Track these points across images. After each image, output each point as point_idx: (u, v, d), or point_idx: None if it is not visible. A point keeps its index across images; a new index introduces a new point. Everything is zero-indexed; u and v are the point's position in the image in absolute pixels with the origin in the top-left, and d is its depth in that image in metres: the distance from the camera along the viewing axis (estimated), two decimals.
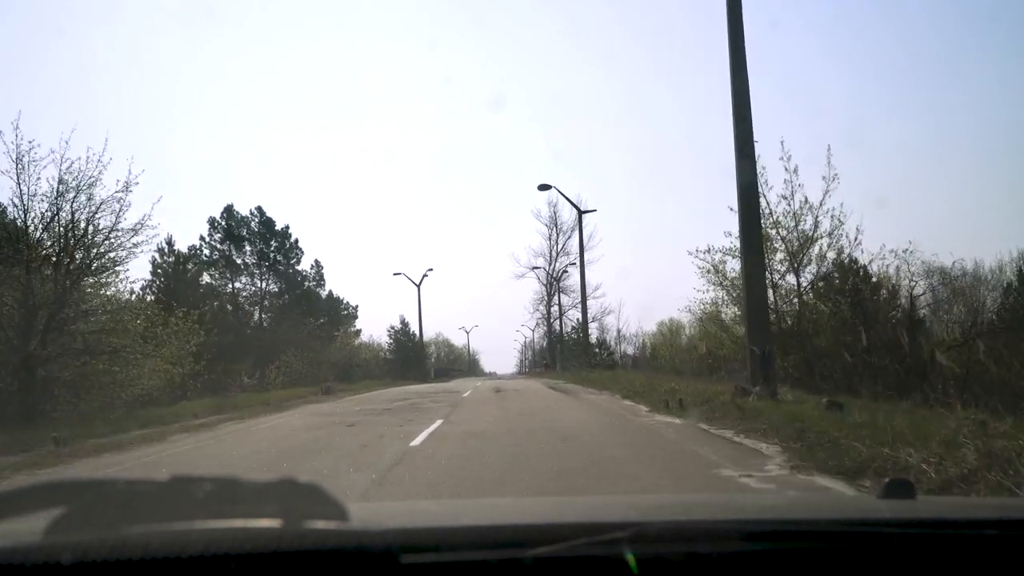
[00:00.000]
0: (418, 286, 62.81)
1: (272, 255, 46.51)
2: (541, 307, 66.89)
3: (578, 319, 62.88)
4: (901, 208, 71.00)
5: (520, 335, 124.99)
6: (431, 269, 63.34)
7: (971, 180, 76.10)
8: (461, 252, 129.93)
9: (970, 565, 1.26)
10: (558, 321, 65.23)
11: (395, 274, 63.57)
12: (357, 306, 60.48)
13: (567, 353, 63.31)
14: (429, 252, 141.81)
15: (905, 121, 79.64)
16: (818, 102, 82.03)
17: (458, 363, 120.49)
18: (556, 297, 65.12)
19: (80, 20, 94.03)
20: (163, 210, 43.88)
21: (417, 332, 64.01)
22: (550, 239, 66.95)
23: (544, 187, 39.20)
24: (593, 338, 61.64)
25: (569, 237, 66.31)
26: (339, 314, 52.80)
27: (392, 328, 62.62)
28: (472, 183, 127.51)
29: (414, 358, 62.92)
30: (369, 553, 1.10)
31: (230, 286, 45.22)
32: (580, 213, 39.75)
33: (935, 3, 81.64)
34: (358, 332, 61.36)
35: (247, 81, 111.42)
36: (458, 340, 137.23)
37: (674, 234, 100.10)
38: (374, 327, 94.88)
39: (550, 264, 66.68)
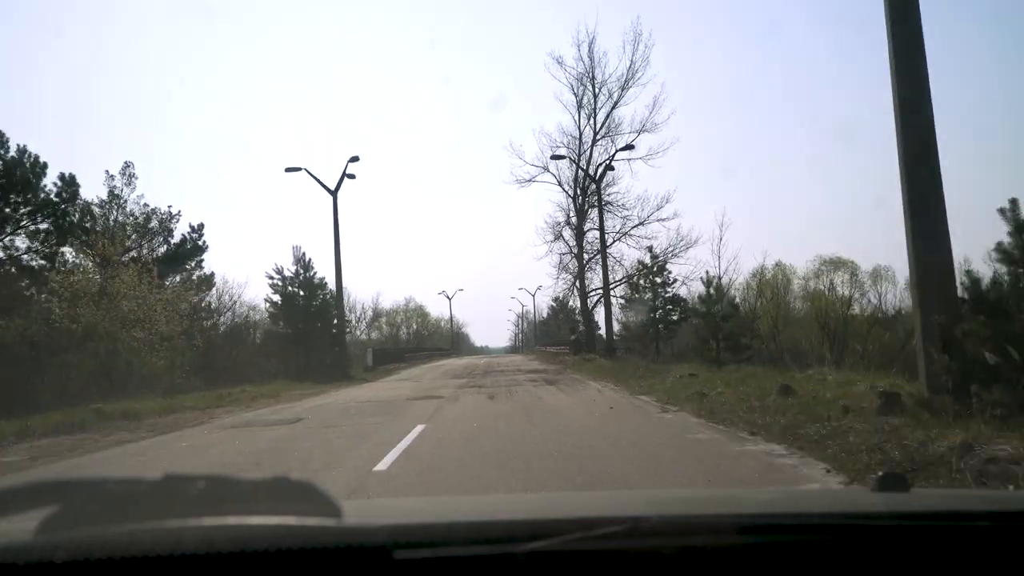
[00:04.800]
0: (334, 193, 32.49)
1: None
2: (565, 234, 36.18)
3: (644, 254, 31.90)
4: None
5: (516, 302, 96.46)
6: (355, 158, 32.82)
7: None
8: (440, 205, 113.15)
9: (963, 557, 1.25)
10: (597, 262, 34.87)
11: (288, 170, 33.04)
12: (200, 225, 30.25)
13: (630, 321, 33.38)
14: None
15: None
16: None
17: (435, 338, 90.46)
18: (595, 217, 34.90)
19: (80, 20, 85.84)
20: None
21: (333, 281, 33.53)
22: (580, 107, 36.06)
23: None
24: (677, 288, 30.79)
25: (619, 99, 35.62)
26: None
27: (278, 271, 32.11)
28: (468, 177, 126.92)
29: (325, 330, 32.62)
30: (363, 549, 1.08)
31: None
32: None
33: None
34: (207, 279, 31.22)
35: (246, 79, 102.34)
36: (436, 309, 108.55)
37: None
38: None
39: (581, 154, 36.05)
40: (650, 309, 28.22)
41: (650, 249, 29.69)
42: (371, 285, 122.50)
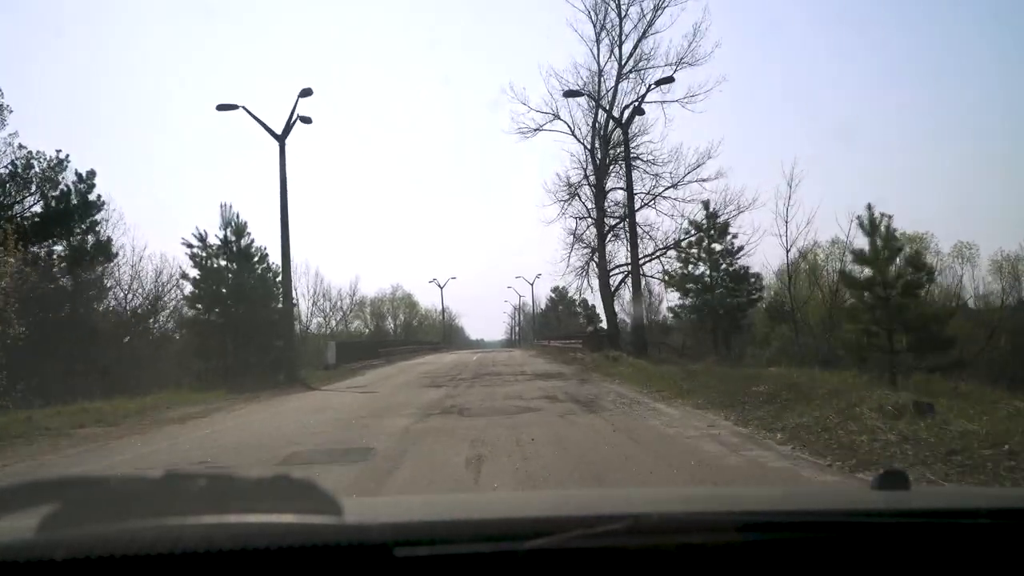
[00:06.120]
0: (281, 139, 24.36)
1: None
2: (582, 194, 27.99)
3: (698, 212, 23.54)
4: None
5: (513, 292, 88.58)
6: (308, 92, 24.70)
7: None
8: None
9: (964, 554, 1.23)
10: (624, 229, 26.77)
11: (221, 107, 24.86)
12: (90, 173, 22.32)
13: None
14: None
15: None
16: None
17: (425, 329, 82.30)
18: (620, 170, 26.94)
19: (80, 20, 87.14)
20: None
21: (280, 255, 25.34)
22: (601, 35, 28.04)
23: None
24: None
25: (651, 21, 27.58)
26: None
27: (199, 237, 23.97)
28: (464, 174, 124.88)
29: (265, 316, 24.57)
30: (363, 547, 1.08)
31: None
32: None
33: None
34: (103, 246, 23.22)
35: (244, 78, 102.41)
36: (432, 302, 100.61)
37: None
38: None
39: (601, 93, 27.87)
40: (703, 289, 20.24)
41: (706, 206, 21.55)
42: (370, 285, 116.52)
